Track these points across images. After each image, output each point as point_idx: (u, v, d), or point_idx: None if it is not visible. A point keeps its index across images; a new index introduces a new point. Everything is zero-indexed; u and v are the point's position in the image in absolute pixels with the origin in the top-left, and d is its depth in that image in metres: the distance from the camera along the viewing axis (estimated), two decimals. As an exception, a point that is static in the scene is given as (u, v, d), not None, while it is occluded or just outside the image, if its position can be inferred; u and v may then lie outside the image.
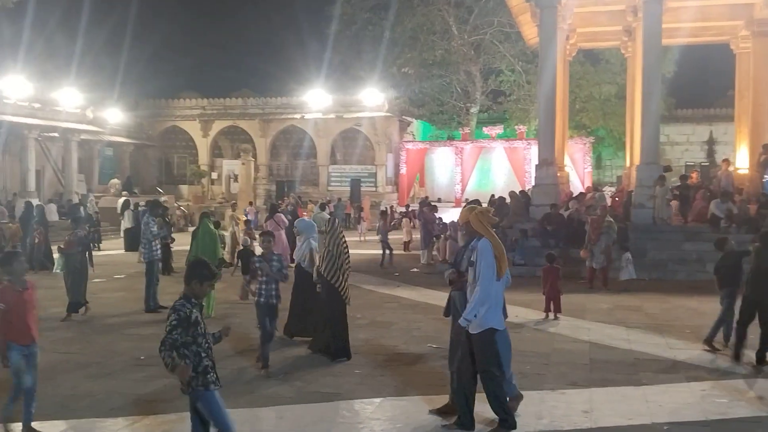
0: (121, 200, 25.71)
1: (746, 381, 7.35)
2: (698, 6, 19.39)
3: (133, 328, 10.08)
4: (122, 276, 15.84)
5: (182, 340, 4.35)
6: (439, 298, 12.71)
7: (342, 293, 8.09)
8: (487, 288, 5.70)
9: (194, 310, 4.45)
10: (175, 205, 29.89)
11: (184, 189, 38.24)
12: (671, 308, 11.62)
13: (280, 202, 25.26)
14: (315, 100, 35.98)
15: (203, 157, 38.90)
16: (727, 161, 20.44)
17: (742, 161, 21.44)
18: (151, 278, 11.43)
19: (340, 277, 8.06)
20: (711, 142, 36.83)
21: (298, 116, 36.89)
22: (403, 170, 35.84)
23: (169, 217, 19.15)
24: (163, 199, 22.99)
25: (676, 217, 17.00)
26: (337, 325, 8.13)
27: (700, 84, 38.65)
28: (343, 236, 8.35)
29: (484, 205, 8.96)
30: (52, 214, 23.00)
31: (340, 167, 37.64)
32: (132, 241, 19.88)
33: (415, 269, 17.04)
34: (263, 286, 7.60)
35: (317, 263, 8.77)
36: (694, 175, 21.33)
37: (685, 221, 16.61)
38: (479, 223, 5.93)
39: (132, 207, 22.05)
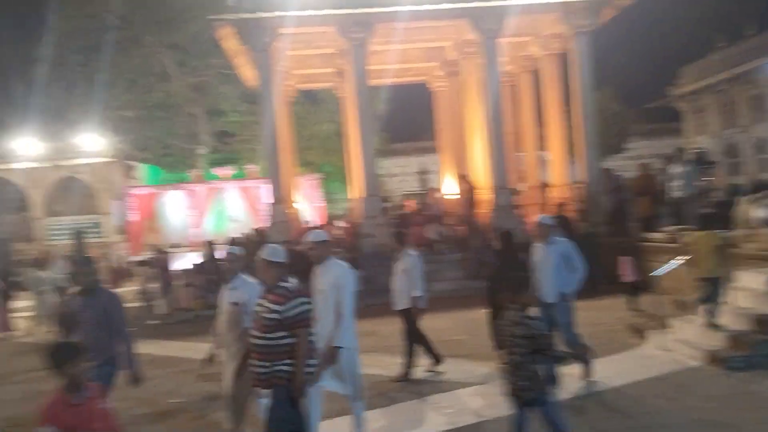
0: None
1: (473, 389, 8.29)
2: (398, 49, 21.34)
3: None
4: None
5: None
6: (180, 349, 12.40)
7: None
8: None
9: None
10: None
11: None
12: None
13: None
14: (24, 148, 32.88)
15: None
16: (433, 189, 22.71)
17: (448, 188, 23.96)
18: None
19: None
20: (423, 172, 40.59)
21: (3, 167, 33.38)
22: (132, 217, 34.12)
23: None
24: None
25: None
26: None
27: (410, 119, 42.46)
28: None
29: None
30: None
31: (58, 219, 34.68)
32: None
33: (155, 320, 16.40)
34: None
35: None
36: (409, 203, 23.27)
37: (406, 246, 18.01)
38: None
39: None
